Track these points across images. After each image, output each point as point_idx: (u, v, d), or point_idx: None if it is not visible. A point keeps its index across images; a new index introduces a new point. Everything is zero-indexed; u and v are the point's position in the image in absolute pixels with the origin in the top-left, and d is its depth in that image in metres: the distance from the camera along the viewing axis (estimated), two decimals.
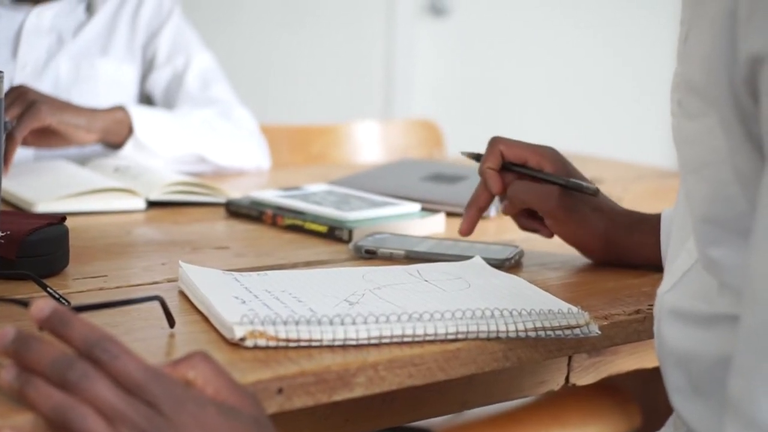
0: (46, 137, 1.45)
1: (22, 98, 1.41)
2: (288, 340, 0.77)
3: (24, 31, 1.65)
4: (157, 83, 1.75)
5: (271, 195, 1.30)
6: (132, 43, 1.74)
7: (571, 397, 1.47)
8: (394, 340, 0.80)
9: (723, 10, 0.65)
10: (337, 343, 0.78)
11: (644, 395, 1.51)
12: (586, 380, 0.98)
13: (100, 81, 1.69)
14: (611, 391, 1.49)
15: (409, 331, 0.80)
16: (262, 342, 0.77)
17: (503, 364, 0.83)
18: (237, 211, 1.30)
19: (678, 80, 0.77)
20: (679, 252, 0.76)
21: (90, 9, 1.72)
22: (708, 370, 0.71)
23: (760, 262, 0.61)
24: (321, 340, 0.78)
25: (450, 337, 0.81)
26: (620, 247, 1.07)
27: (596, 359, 0.98)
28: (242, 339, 0.77)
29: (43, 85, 1.63)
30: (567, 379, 0.96)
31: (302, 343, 0.77)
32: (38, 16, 1.66)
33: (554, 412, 1.46)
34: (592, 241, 1.07)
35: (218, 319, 0.81)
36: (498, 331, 0.82)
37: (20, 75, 1.63)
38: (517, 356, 0.84)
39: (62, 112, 1.44)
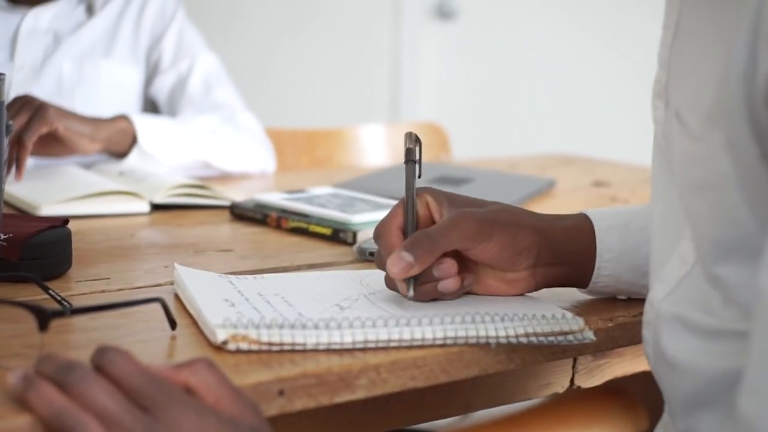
0: (49, 145, 1.44)
1: (29, 105, 1.41)
2: (270, 344, 0.75)
3: (20, 33, 1.64)
4: (162, 87, 1.75)
5: (275, 198, 1.30)
6: (135, 46, 1.74)
7: (576, 399, 1.46)
8: (380, 345, 0.78)
9: (743, 25, 0.62)
10: (320, 347, 0.76)
11: (651, 397, 1.50)
12: (591, 382, 0.97)
13: (103, 83, 1.69)
14: (617, 394, 1.48)
15: (395, 336, 0.78)
16: (244, 345, 0.75)
17: (507, 366, 0.82)
18: (241, 213, 1.30)
19: (659, 88, 0.75)
20: (668, 257, 0.74)
21: (90, 10, 1.72)
22: (711, 382, 0.70)
23: None
24: (304, 344, 0.76)
25: (438, 342, 0.79)
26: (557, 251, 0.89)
27: (601, 361, 0.97)
28: (224, 342, 0.75)
29: (44, 85, 1.63)
30: (572, 381, 0.96)
31: (285, 347, 0.76)
32: (36, 17, 1.65)
33: (559, 415, 1.45)
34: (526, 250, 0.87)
35: (203, 322, 0.80)
36: (488, 337, 0.79)
37: (18, 76, 1.63)
38: (521, 358, 0.83)
39: (68, 118, 1.44)
